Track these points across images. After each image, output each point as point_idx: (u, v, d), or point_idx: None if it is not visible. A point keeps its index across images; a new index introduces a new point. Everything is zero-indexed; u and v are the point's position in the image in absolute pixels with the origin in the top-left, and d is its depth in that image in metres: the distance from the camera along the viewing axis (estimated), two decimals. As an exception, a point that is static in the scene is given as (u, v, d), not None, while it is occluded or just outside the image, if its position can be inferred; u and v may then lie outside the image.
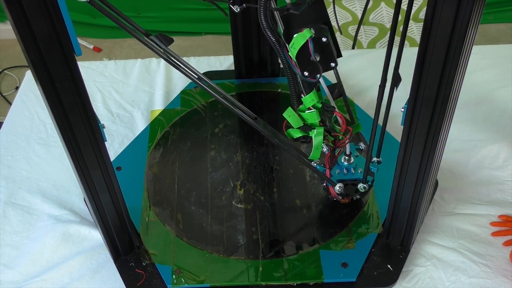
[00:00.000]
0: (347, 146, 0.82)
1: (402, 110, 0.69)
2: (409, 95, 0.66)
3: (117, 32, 2.41)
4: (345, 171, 0.83)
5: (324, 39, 0.68)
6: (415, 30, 1.64)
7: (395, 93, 1.12)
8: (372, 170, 0.82)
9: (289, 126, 0.76)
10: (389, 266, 0.83)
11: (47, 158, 1.05)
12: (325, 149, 0.79)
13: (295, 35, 0.67)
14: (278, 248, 0.85)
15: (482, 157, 1.01)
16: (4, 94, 2.20)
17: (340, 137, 0.78)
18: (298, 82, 0.74)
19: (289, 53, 0.69)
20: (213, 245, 0.86)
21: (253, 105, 1.09)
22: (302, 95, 0.74)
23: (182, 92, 1.11)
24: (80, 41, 2.40)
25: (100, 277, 0.86)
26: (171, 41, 0.69)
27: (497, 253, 0.87)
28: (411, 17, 1.68)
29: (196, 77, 0.73)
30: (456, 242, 0.88)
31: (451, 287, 0.83)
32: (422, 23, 0.58)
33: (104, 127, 0.69)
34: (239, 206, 0.91)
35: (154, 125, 1.05)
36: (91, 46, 2.38)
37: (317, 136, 0.74)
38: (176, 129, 1.04)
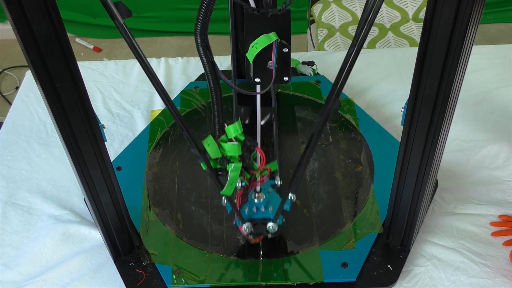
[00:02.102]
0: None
1: (402, 110, 0.69)
2: (409, 95, 0.66)
3: (117, 32, 2.40)
4: (254, 209, 0.79)
5: (285, 50, 0.65)
6: (415, 30, 1.64)
7: (395, 93, 1.12)
8: (285, 208, 0.76)
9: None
10: (389, 266, 0.83)
11: (47, 158, 1.05)
12: (239, 185, 0.75)
13: (260, 36, 0.65)
14: (278, 248, 0.85)
15: (482, 157, 1.01)
16: (4, 94, 2.20)
17: (257, 176, 0.74)
18: (222, 110, 0.69)
19: (246, 54, 0.66)
20: (213, 245, 0.86)
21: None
22: (226, 124, 0.69)
23: (182, 92, 1.11)
24: (80, 41, 2.40)
25: (100, 277, 0.86)
26: (130, 14, 0.64)
27: (497, 253, 0.87)
28: (411, 17, 1.68)
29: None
30: (456, 242, 0.88)
31: (451, 287, 0.83)
32: (422, 23, 0.58)
33: (104, 127, 0.69)
34: (239, 206, 0.91)
35: (154, 125, 1.05)
36: (91, 46, 2.38)
37: (233, 171, 0.70)
38: (176, 129, 1.04)
